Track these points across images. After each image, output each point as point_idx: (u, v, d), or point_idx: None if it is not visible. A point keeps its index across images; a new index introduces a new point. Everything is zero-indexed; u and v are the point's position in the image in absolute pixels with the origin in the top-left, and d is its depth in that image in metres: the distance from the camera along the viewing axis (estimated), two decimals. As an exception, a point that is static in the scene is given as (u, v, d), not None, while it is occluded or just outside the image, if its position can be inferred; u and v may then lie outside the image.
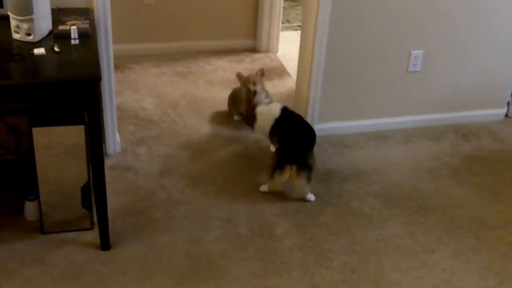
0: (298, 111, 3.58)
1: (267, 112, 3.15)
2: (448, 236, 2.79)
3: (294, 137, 3.01)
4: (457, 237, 2.79)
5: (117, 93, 3.49)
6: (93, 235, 2.61)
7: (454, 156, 3.46)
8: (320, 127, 3.53)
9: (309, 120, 3.48)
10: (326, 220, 2.84)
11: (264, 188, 3.00)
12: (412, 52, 3.48)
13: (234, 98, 3.64)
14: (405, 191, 3.11)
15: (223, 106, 3.75)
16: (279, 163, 2.88)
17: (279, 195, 2.98)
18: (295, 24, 5.37)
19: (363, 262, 2.59)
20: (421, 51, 3.49)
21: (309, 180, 2.89)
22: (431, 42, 3.49)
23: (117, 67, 3.17)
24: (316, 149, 3.40)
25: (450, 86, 3.68)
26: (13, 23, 2.41)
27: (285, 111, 3.14)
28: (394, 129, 3.67)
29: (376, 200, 3.01)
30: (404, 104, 3.65)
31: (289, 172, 2.86)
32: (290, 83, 4.20)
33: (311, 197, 2.97)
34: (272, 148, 3.26)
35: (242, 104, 3.44)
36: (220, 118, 3.65)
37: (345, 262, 2.59)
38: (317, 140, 3.49)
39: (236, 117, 3.67)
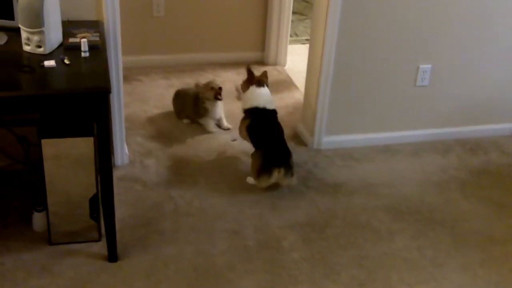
0: (306, 123, 3.60)
1: (262, 96, 3.21)
2: (456, 250, 2.77)
3: (274, 137, 3.12)
4: (465, 251, 2.77)
5: (126, 104, 3.49)
6: (100, 246, 2.61)
7: (462, 170, 3.45)
8: (328, 140, 3.53)
9: (317, 133, 3.50)
10: (334, 233, 2.83)
11: (251, 181, 3.11)
12: (420, 66, 3.48)
13: (182, 100, 3.71)
14: (413, 204, 3.10)
15: (231, 117, 3.75)
16: (266, 167, 3.00)
17: (287, 208, 2.98)
18: (303, 38, 5.39)
19: (370, 276, 2.58)
20: (429, 66, 3.49)
21: (292, 175, 3.05)
22: (439, 56, 3.49)
23: (125, 78, 3.19)
24: (325, 161, 3.41)
25: (458, 101, 3.68)
26: (24, 35, 2.44)
27: (273, 111, 3.23)
28: (402, 143, 3.66)
29: (384, 213, 3.00)
30: (412, 118, 3.64)
31: (276, 175, 3.00)
32: (297, 95, 4.21)
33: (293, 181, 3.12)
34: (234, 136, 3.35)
35: (190, 105, 3.64)
36: (229, 130, 3.66)
37: (352, 275, 2.58)
38: (326, 153, 3.51)
39: (185, 121, 3.71)
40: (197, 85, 3.69)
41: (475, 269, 2.66)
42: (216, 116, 3.63)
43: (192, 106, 3.64)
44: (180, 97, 3.74)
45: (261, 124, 3.18)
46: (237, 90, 3.39)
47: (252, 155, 3.12)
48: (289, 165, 3.05)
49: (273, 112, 3.23)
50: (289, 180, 3.06)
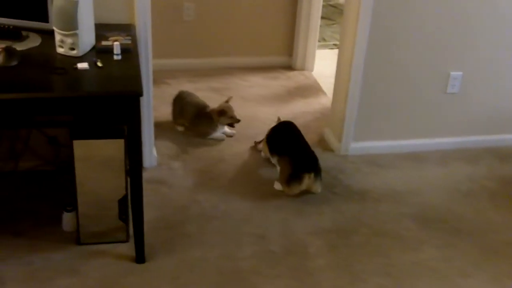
0: (334, 129, 3.58)
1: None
2: (485, 261, 2.73)
3: (299, 143, 3.15)
4: (494, 262, 2.73)
5: (154, 107, 3.52)
6: (128, 247, 2.63)
7: (492, 179, 3.40)
8: (355, 146, 3.51)
9: (344, 139, 3.48)
10: (360, 241, 2.82)
11: (278, 187, 3.11)
12: (451, 73, 3.45)
13: (181, 107, 3.65)
14: (441, 213, 3.06)
15: (257, 121, 3.76)
16: (296, 173, 2.99)
17: (312, 213, 2.97)
18: (331, 43, 5.38)
19: (397, 285, 2.56)
20: (460, 73, 3.46)
21: (321, 179, 3.07)
22: (470, 63, 3.46)
23: (154, 81, 3.22)
24: (351, 168, 3.40)
25: (488, 108, 3.63)
26: (57, 37, 2.47)
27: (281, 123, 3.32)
28: (430, 151, 3.62)
29: (411, 221, 2.98)
30: (441, 125, 3.61)
31: (307, 181, 3.00)
32: (324, 101, 4.20)
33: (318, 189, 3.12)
34: (263, 155, 3.39)
35: (188, 117, 3.59)
36: (254, 134, 3.66)
37: (378, 284, 2.56)
38: (353, 159, 3.50)
39: (179, 128, 3.67)
40: (221, 111, 3.54)
41: (504, 281, 2.62)
42: (220, 130, 3.62)
43: (192, 120, 3.60)
44: (179, 101, 3.67)
45: (278, 132, 3.24)
46: (257, 147, 3.47)
47: (279, 162, 3.12)
48: (318, 169, 3.05)
49: (288, 122, 3.31)
50: (318, 186, 3.06)
